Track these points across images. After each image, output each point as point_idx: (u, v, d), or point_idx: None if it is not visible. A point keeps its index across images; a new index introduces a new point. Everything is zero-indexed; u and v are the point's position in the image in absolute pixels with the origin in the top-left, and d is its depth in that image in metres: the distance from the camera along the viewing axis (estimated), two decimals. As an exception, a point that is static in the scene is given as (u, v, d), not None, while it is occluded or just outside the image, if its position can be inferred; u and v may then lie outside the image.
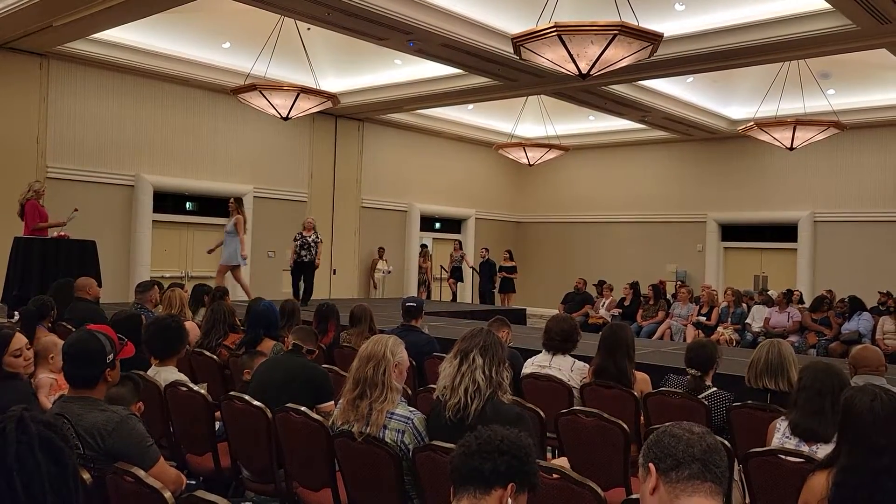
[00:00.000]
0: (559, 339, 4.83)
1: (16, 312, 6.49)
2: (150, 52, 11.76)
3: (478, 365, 3.02)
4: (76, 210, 9.56)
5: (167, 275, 12.05)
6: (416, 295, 15.35)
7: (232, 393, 3.95)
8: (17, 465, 1.29)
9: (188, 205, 13.45)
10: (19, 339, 3.64)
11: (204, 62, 12.37)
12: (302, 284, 11.85)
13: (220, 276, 10.64)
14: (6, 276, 8.85)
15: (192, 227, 13.50)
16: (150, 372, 4.23)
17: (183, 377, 4.19)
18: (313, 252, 11.83)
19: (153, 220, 12.59)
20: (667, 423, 1.87)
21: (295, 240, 11.92)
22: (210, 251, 11.09)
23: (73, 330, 6.05)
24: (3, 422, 1.34)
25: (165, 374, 4.16)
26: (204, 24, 11.11)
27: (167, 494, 2.42)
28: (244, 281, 11.03)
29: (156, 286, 7.06)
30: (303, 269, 11.87)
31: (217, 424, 4.05)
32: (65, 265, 8.68)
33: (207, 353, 5.32)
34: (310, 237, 11.93)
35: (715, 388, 4.39)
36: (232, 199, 10.87)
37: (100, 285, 8.10)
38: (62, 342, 4.39)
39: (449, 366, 3.11)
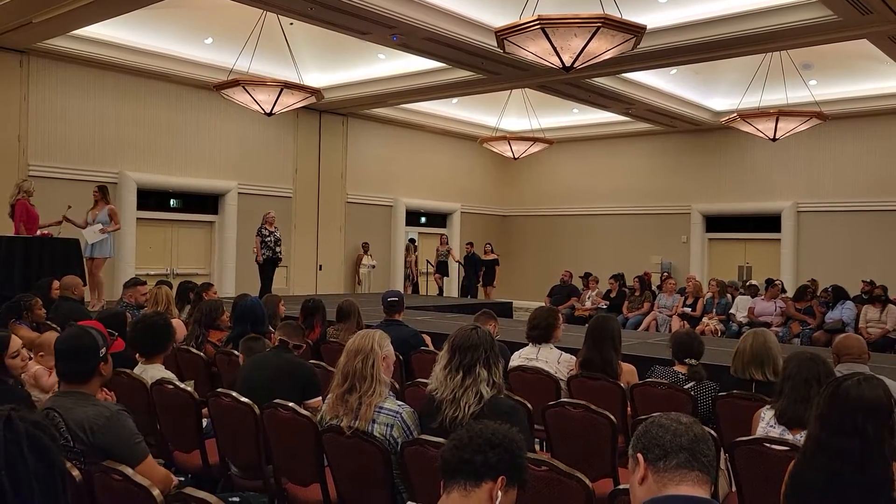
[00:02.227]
0: (543, 327, 4.86)
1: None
2: (131, 49, 11.64)
3: (482, 378, 3.02)
4: (69, 207, 9.54)
5: (152, 272, 11.96)
6: (401, 290, 15.35)
7: (219, 390, 3.94)
8: (5, 464, 1.29)
9: (172, 202, 13.38)
10: (16, 341, 3.66)
11: (186, 58, 12.26)
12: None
13: (97, 271, 9.55)
14: (-11, 276, 8.76)
15: (176, 225, 13.43)
16: (137, 370, 4.22)
17: (170, 374, 4.19)
18: (279, 248, 11.91)
19: (137, 218, 12.50)
20: (655, 414, 1.88)
21: (264, 236, 11.83)
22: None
23: (58, 329, 6.04)
24: None
25: (152, 372, 4.15)
26: (186, 19, 11.02)
27: (155, 492, 2.41)
28: (102, 277, 9.69)
29: (142, 285, 7.03)
30: (273, 265, 11.89)
31: (205, 422, 4.04)
32: (48, 264, 8.62)
33: (194, 350, 5.30)
34: (277, 232, 11.96)
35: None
36: (96, 188, 9.87)
37: (84, 284, 8.05)
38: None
39: (445, 372, 3.08)
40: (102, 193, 9.81)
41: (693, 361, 4.51)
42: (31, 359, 4.02)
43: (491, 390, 3.03)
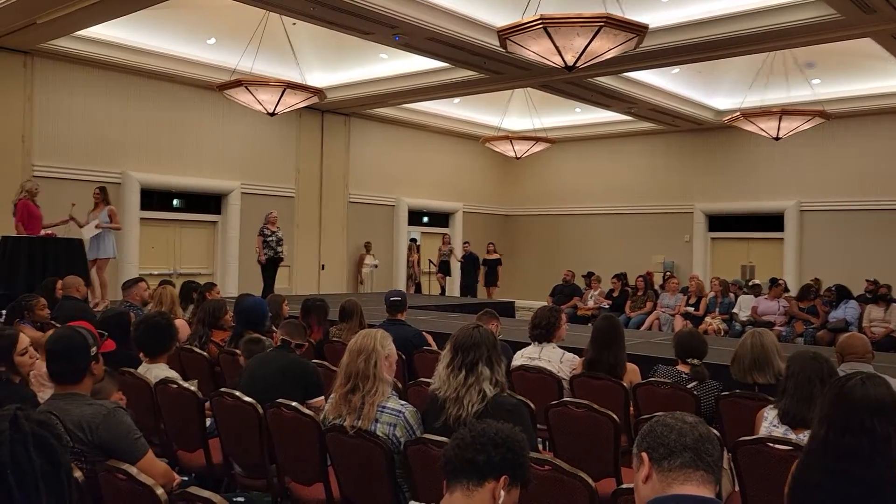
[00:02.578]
0: (546, 326, 4.86)
1: (3, 311, 6.48)
2: (134, 49, 11.66)
3: (485, 377, 3.03)
4: (74, 205, 9.57)
5: (155, 272, 11.98)
6: (403, 289, 15.36)
7: (223, 389, 3.94)
8: (11, 463, 1.29)
9: (175, 202, 13.39)
10: (24, 339, 3.68)
11: (189, 58, 12.28)
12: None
13: (101, 271, 9.67)
14: (-7, 276, 8.79)
15: (179, 224, 13.44)
16: (141, 369, 4.23)
17: (174, 374, 4.20)
18: (281, 247, 11.95)
19: (140, 218, 12.52)
20: (660, 413, 1.88)
21: (265, 236, 11.86)
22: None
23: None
24: None
25: (156, 371, 4.17)
26: (189, 19, 11.03)
27: (159, 491, 2.42)
28: (105, 278, 9.84)
29: (142, 282, 7.03)
30: (275, 265, 11.95)
31: (208, 421, 4.05)
32: (52, 264, 8.64)
33: (197, 350, 5.31)
34: (279, 232, 11.99)
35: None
36: (97, 189, 9.88)
37: (87, 284, 8.06)
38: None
39: (448, 371, 3.09)
40: (103, 195, 9.80)
41: (696, 361, 4.50)
42: (38, 358, 4.03)
43: (494, 389, 3.04)
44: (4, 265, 8.65)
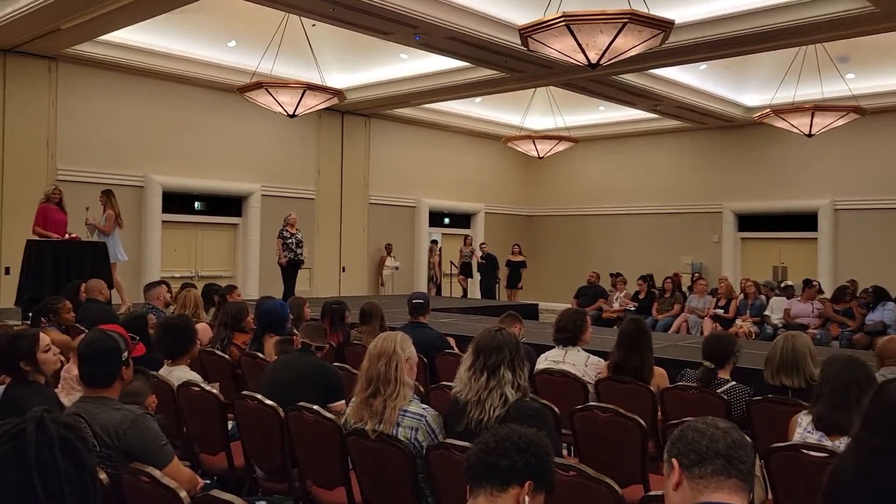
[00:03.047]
0: (572, 329, 4.79)
1: (30, 314, 6.56)
2: (156, 53, 11.78)
3: (507, 380, 2.98)
4: (87, 208, 9.65)
5: (177, 275, 12.06)
6: (425, 291, 15.31)
7: (245, 392, 3.93)
8: (37, 466, 1.32)
9: (197, 204, 13.49)
10: (45, 337, 3.71)
11: (210, 61, 12.37)
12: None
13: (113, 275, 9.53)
14: (19, 279, 8.90)
15: (200, 227, 13.54)
16: (163, 372, 4.24)
17: (195, 376, 4.21)
18: (300, 249, 11.99)
19: (162, 221, 12.63)
20: (690, 418, 1.83)
21: (285, 238, 11.89)
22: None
23: (86, 331, 6.09)
24: (24, 423, 1.37)
25: (178, 374, 4.19)
26: (209, 23, 11.10)
27: (182, 494, 2.42)
28: (118, 280, 9.77)
29: (163, 284, 7.06)
30: (296, 267, 11.99)
31: (230, 424, 4.03)
32: (77, 267, 8.72)
33: (219, 353, 5.30)
34: (298, 234, 12.02)
35: (734, 382, 4.31)
36: (101, 194, 9.78)
37: (110, 287, 8.12)
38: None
39: (469, 374, 3.04)
40: (107, 197, 9.75)
41: (709, 364, 4.35)
42: (67, 362, 4.05)
43: (516, 393, 2.98)
44: (31, 269, 8.74)
